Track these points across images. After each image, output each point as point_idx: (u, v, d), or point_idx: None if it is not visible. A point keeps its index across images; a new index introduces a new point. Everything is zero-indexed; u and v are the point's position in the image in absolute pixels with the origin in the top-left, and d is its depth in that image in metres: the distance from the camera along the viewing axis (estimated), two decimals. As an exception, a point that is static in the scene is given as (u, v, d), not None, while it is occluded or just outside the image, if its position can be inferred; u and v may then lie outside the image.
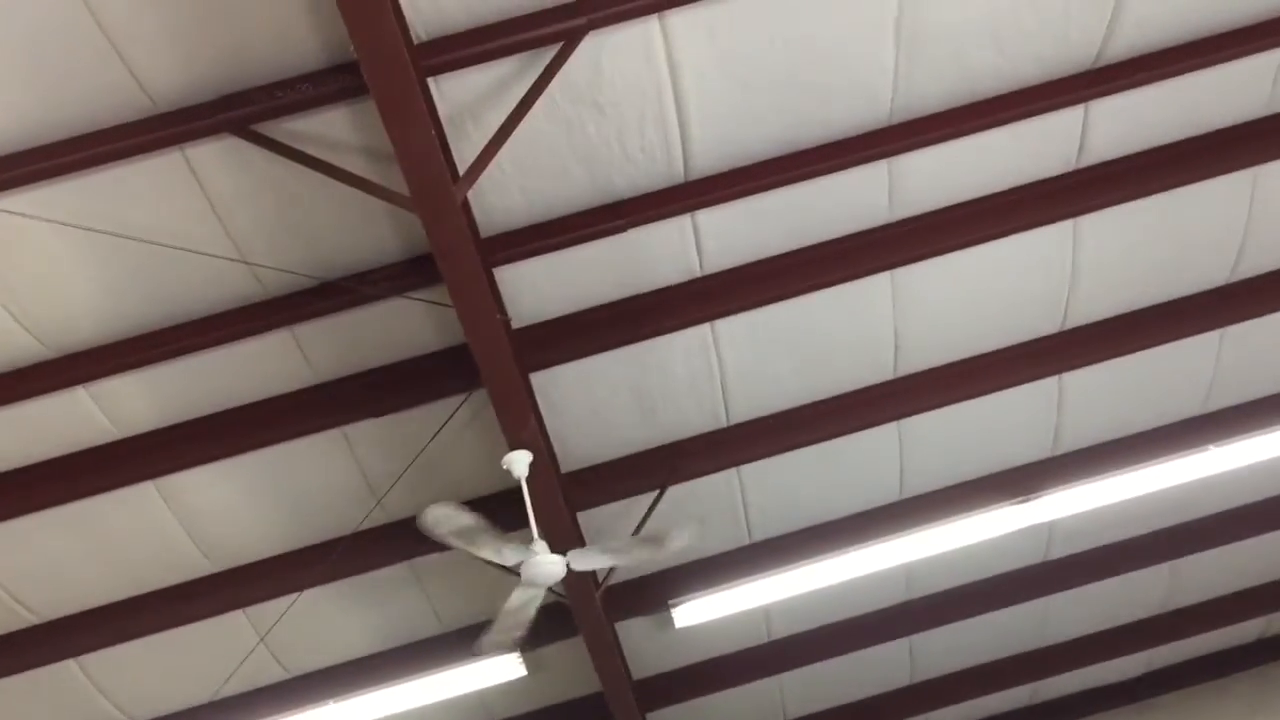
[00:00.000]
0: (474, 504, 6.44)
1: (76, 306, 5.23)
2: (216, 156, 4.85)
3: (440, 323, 5.68)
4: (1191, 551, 8.00)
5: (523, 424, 5.33)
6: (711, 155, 5.48)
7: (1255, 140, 6.01)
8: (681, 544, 5.27)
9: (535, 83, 4.69)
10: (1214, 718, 8.95)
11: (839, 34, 5.17)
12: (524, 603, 5.46)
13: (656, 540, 5.23)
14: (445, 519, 5.09)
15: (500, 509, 6.38)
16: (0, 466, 5.82)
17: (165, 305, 5.33)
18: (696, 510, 7.00)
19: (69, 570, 6.30)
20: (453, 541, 5.22)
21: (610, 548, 5.35)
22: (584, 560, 5.26)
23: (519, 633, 5.66)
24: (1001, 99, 5.60)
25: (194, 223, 5.02)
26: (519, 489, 5.56)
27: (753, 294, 6.04)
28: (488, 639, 5.71)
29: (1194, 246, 6.45)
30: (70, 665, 6.79)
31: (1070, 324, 6.64)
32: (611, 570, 6.77)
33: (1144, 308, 6.65)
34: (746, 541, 7.32)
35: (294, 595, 6.55)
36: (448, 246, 4.48)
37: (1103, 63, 5.61)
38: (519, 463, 5.41)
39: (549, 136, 5.18)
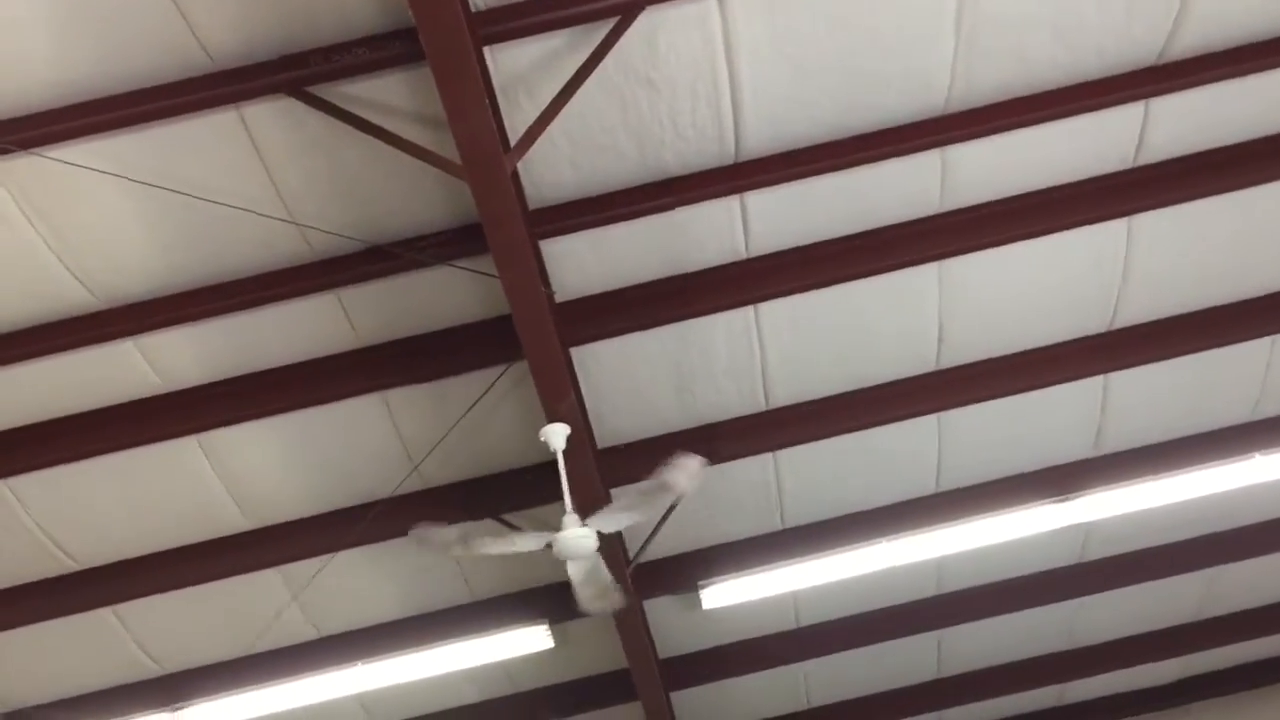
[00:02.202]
0: (509, 475, 6.63)
1: (128, 259, 5.30)
2: (272, 117, 4.88)
3: (485, 292, 5.70)
4: (1230, 560, 7.90)
5: (562, 397, 5.35)
6: (763, 137, 5.44)
7: (1316, 144, 5.88)
8: (687, 479, 5.14)
9: (590, 56, 4.68)
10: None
11: (898, 20, 5.12)
12: (587, 573, 5.46)
13: (662, 484, 5.12)
14: (428, 538, 5.14)
15: (535, 481, 6.46)
16: (46, 415, 5.91)
17: (215, 262, 5.38)
18: (730, 492, 7.01)
19: (109, 520, 6.40)
20: (456, 552, 5.31)
21: (625, 505, 5.25)
22: (607, 522, 5.22)
23: (607, 592, 5.65)
24: (1060, 92, 5.52)
25: (247, 181, 5.06)
26: (554, 461, 5.58)
27: (798, 279, 6.01)
28: (583, 604, 5.75)
29: (1250, 250, 6.34)
30: (106, 613, 6.91)
31: (1119, 324, 6.55)
32: (643, 549, 6.79)
33: (1195, 310, 6.55)
34: (779, 527, 7.31)
35: (328, 556, 6.62)
36: (496, 216, 4.48)
37: (1166, 59, 5.51)
38: (556, 435, 5.43)
39: (601, 111, 5.17)
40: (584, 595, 5.63)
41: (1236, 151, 5.90)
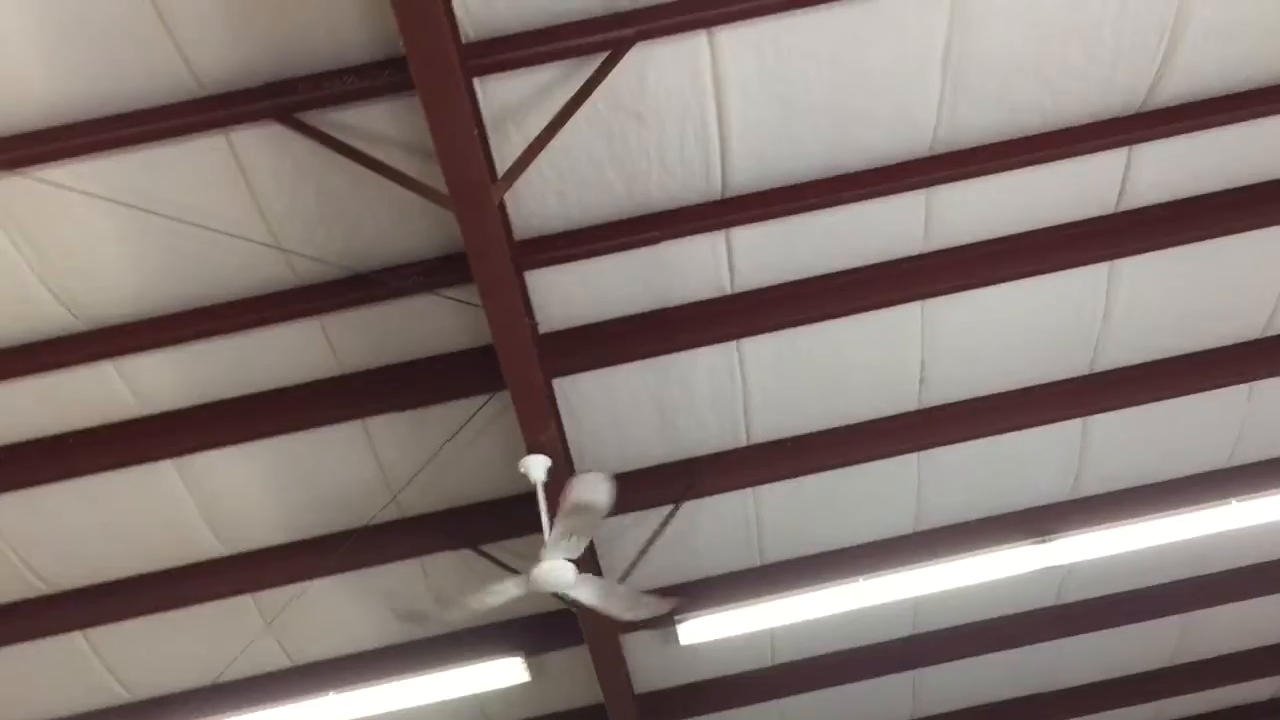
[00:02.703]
0: (488, 505, 6.60)
1: (110, 281, 5.27)
2: (259, 142, 4.88)
3: (468, 322, 5.69)
4: (1206, 605, 7.92)
5: (542, 428, 5.34)
6: (750, 173, 5.47)
7: (1296, 195, 5.95)
8: (600, 494, 4.93)
9: (580, 90, 4.70)
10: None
11: (886, 61, 5.16)
12: (600, 595, 5.41)
13: (576, 506, 4.94)
14: (414, 615, 5.12)
15: (514, 512, 6.43)
16: (22, 435, 5.86)
17: (197, 286, 5.36)
18: (709, 527, 7.00)
19: (82, 542, 6.33)
20: (446, 618, 5.31)
21: (558, 535, 5.13)
22: (559, 552, 5.15)
23: (636, 601, 5.59)
24: (1045, 137, 5.57)
25: (232, 206, 5.06)
26: (534, 493, 5.56)
27: (782, 315, 6.03)
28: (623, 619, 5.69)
29: (1230, 298, 6.39)
30: (77, 637, 6.82)
31: (1099, 367, 6.60)
32: (622, 580, 6.75)
33: (1175, 356, 6.60)
34: (757, 563, 7.29)
35: (303, 584, 6.56)
36: (481, 246, 4.49)
37: (1150, 107, 5.58)
38: (536, 467, 5.41)
39: (589, 144, 5.19)
40: (617, 611, 5.57)
41: (1218, 199, 5.97)
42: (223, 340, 5.59)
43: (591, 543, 6.72)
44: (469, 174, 4.23)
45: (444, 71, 3.92)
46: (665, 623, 7.13)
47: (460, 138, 4.09)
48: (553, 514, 5.35)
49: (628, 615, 5.65)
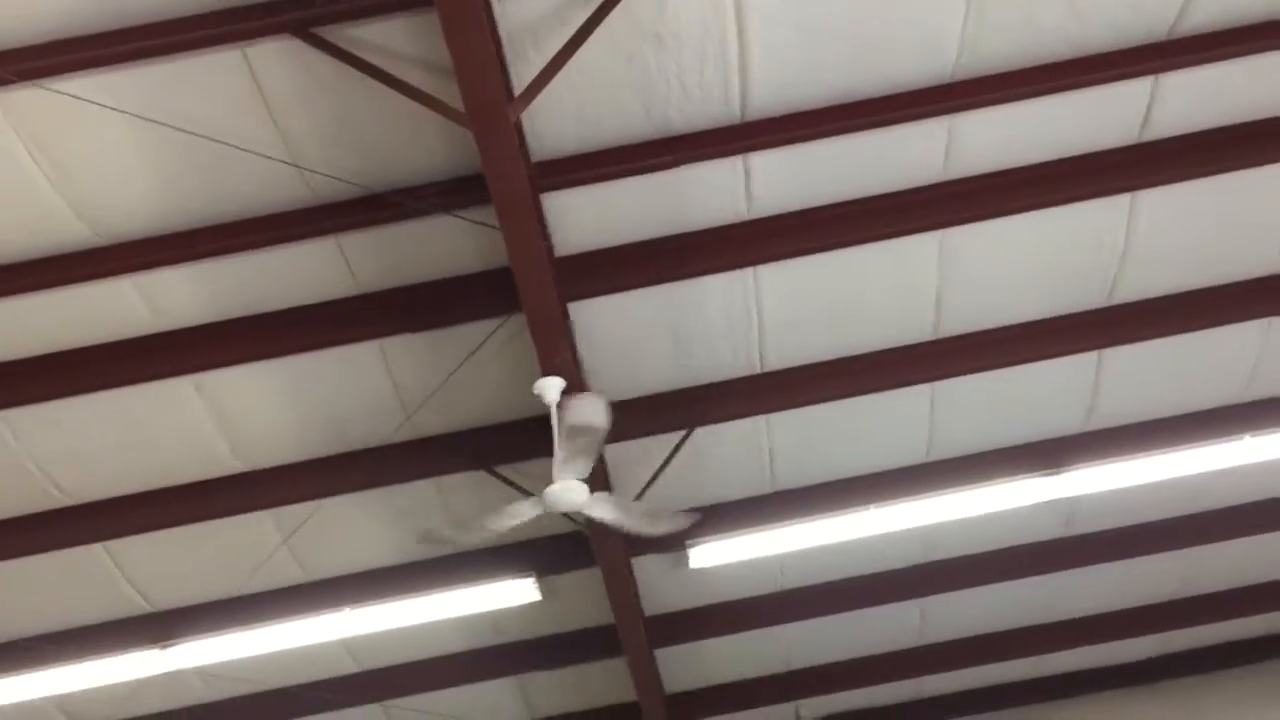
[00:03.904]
0: (502, 427, 6.65)
1: (128, 196, 5.28)
2: (276, 57, 4.85)
3: (485, 244, 5.68)
4: (1212, 540, 7.96)
5: (558, 351, 5.36)
6: (769, 98, 5.42)
7: (1322, 129, 5.87)
8: (590, 412, 5.01)
9: (598, 9, 4.65)
10: (1229, 704, 8.94)
11: (910, -18, 5.09)
12: (616, 513, 5.47)
13: (575, 427, 5.05)
14: (433, 536, 5.30)
15: (527, 434, 6.48)
16: (42, 349, 5.91)
17: (215, 202, 5.37)
18: (721, 454, 7.04)
19: (103, 456, 6.42)
20: (463, 539, 5.36)
21: (562, 459, 5.22)
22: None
23: (657, 516, 5.66)
24: (1069, 64, 5.49)
25: (249, 122, 5.04)
26: (547, 416, 5.59)
27: (798, 242, 6.00)
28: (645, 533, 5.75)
29: (1250, 232, 6.34)
30: (98, 549, 6.94)
31: (1116, 300, 6.57)
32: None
33: (1192, 290, 6.56)
34: (768, 490, 7.35)
35: (319, 501, 6.65)
36: (499, 166, 4.47)
37: (1177, 35, 5.49)
38: (551, 389, 5.44)
39: (607, 66, 5.14)
40: (638, 527, 5.64)
41: (1242, 131, 5.89)
42: (240, 257, 5.60)
43: (605, 467, 6.79)
44: (487, 92, 4.20)
45: (461, -15, 3.88)
46: (676, 546, 7.22)
47: (478, 55, 4.06)
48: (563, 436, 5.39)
49: (647, 530, 5.70)
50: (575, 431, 4.89)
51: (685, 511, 5.76)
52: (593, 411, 4.90)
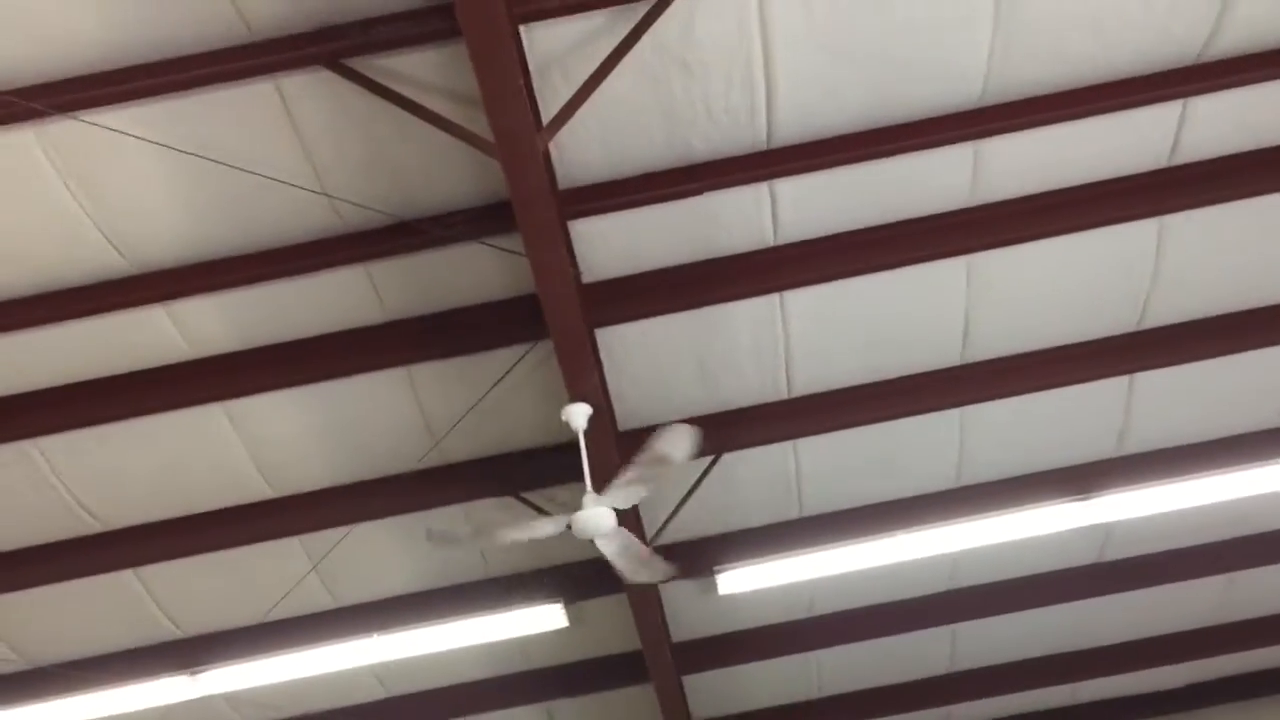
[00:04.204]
0: (530, 453, 6.67)
1: (161, 226, 5.34)
2: (308, 88, 4.91)
3: (512, 271, 5.72)
4: (1248, 566, 7.87)
5: (585, 377, 5.37)
6: (796, 124, 5.43)
7: (1356, 151, 5.82)
8: (680, 447, 5.07)
9: (626, 36, 4.68)
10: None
11: (936, 10, 5.09)
12: (619, 549, 5.47)
13: (657, 456, 5.08)
14: (445, 536, 5.20)
15: (555, 460, 6.50)
16: (75, 377, 5.98)
17: (246, 231, 5.43)
18: (749, 479, 7.03)
19: (134, 483, 6.48)
20: (476, 544, 5.35)
21: (630, 479, 5.22)
22: (616, 498, 5.22)
23: (649, 563, 5.68)
24: (1097, 89, 5.47)
25: (280, 152, 5.10)
26: (575, 441, 5.61)
27: (825, 268, 6.00)
28: (628, 578, 5.77)
29: (1282, 256, 6.29)
30: (129, 575, 7.00)
31: (1147, 324, 6.51)
32: (660, 531, 6.82)
33: (1224, 314, 6.51)
34: (797, 515, 7.32)
35: (348, 527, 6.68)
36: (526, 195, 4.50)
37: (1206, 59, 5.46)
38: (578, 415, 5.45)
39: (634, 93, 5.17)
40: (626, 570, 5.66)
41: (1273, 155, 5.85)
42: (271, 285, 5.66)
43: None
44: (514, 122, 4.24)
45: (491, 18, 3.92)
46: (705, 572, 7.20)
47: (506, 85, 4.10)
48: (593, 462, 5.40)
49: (637, 577, 5.72)
50: (656, 460, 4.89)
51: (670, 564, 5.77)
52: (681, 444, 4.91)
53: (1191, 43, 5.38)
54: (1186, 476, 6.86)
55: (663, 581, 5.95)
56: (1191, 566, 7.87)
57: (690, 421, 6.56)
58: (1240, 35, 5.37)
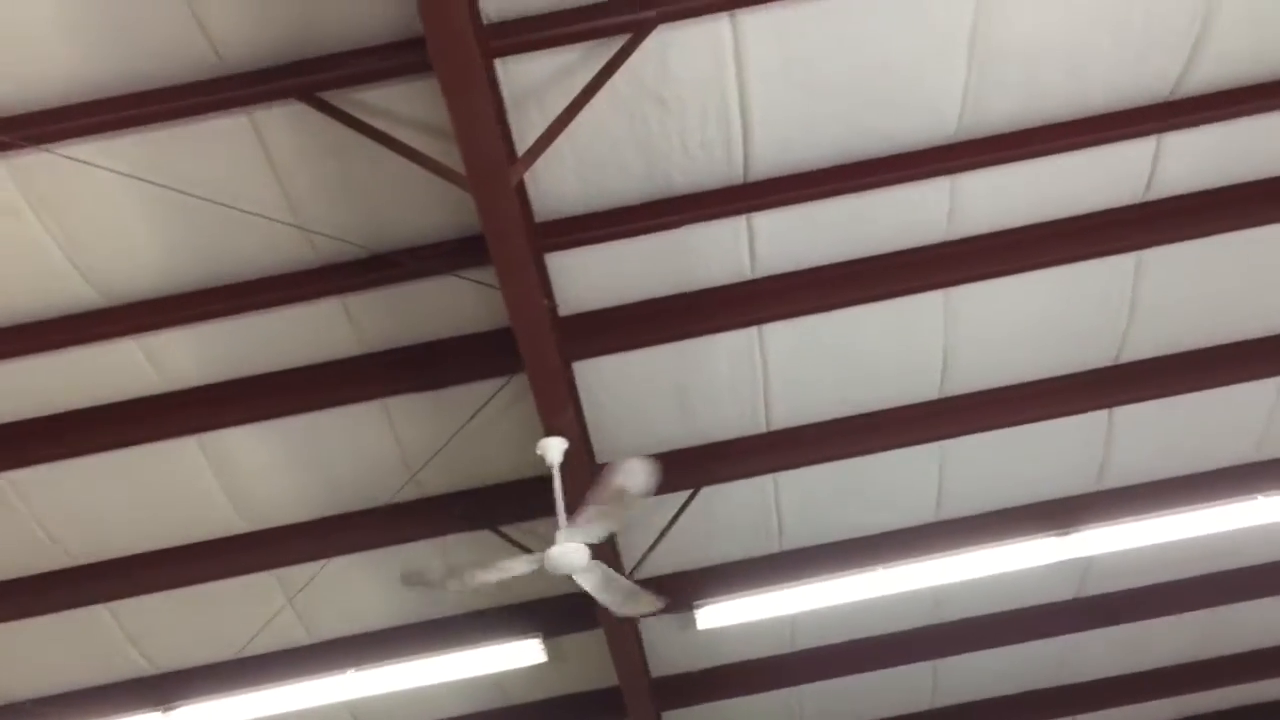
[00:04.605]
0: (508, 487, 6.62)
1: (133, 258, 5.31)
2: (282, 121, 4.90)
3: (489, 304, 5.70)
4: (1229, 601, 7.84)
5: (560, 411, 5.34)
6: (772, 158, 5.44)
7: (1331, 188, 5.86)
8: (639, 481, 4.95)
9: (600, 71, 4.69)
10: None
11: (911, 46, 5.12)
12: (600, 583, 5.42)
13: (614, 492, 4.97)
14: (419, 578, 5.18)
15: (533, 494, 6.45)
16: (48, 410, 5.93)
17: (220, 264, 5.40)
18: (729, 513, 6.99)
19: (107, 517, 6.41)
20: (450, 587, 5.32)
21: (591, 515, 5.14)
22: (575, 536, 5.15)
23: (634, 595, 5.61)
24: (1072, 124, 5.50)
25: (255, 185, 5.08)
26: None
27: (803, 301, 5.99)
28: (615, 611, 5.70)
29: (1258, 291, 6.30)
30: (101, 610, 6.91)
31: (1125, 358, 6.52)
32: (638, 565, 6.78)
33: (1202, 349, 6.52)
34: (776, 549, 7.28)
35: (323, 561, 6.62)
36: (499, 228, 4.49)
37: (1179, 95, 5.50)
38: (553, 449, 5.42)
39: (610, 127, 5.18)
40: (611, 603, 5.61)
41: (1247, 190, 5.88)
42: (245, 318, 5.63)
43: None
44: (486, 155, 4.23)
45: (462, 52, 3.92)
46: (684, 607, 7.15)
47: (477, 118, 4.09)
48: (568, 497, 5.36)
49: (623, 610, 5.67)
50: (616, 495, 4.85)
51: (657, 596, 5.72)
52: (636, 477, 4.87)
53: (1165, 78, 5.41)
54: (1166, 511, 6.84)
55: (650, 614, 5.87)
56: (1171, 602, 7.84)
57: (669, 455, 6.63)
58: (1214, 71, 5.40)
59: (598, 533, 5.06)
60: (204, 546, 6.66)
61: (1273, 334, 6.53)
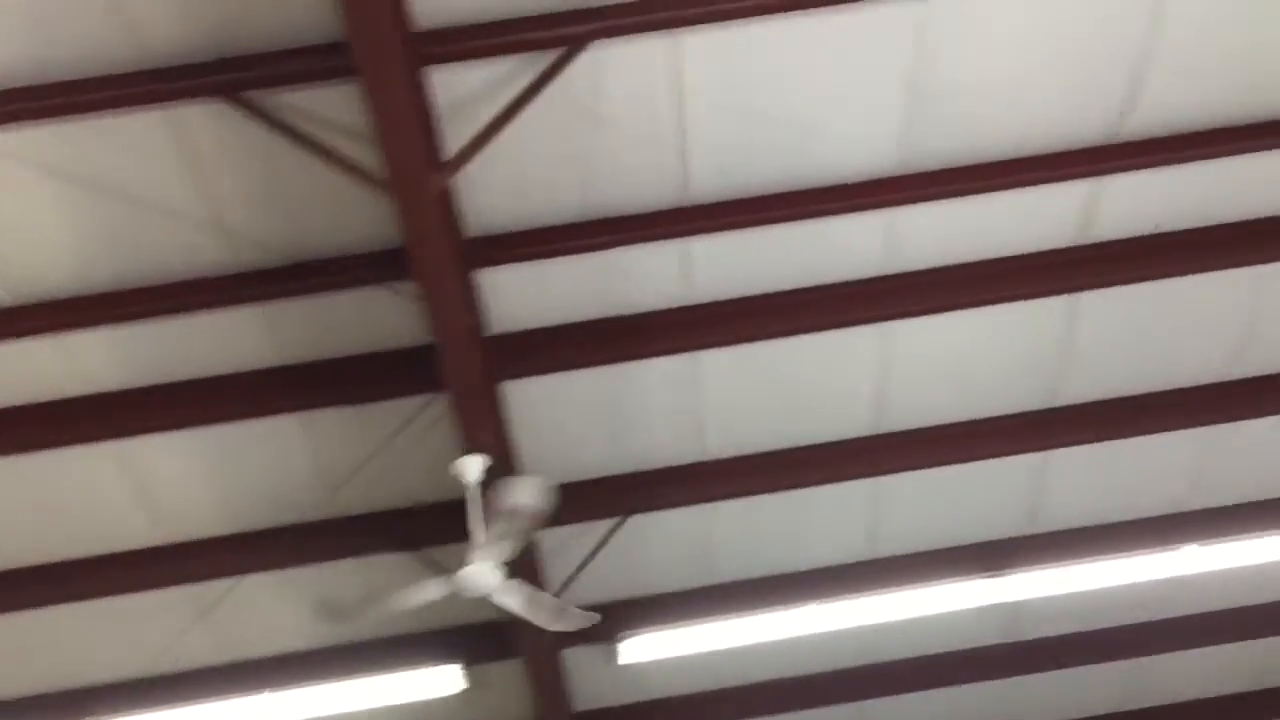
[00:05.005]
0: (433, 508, 6.47)
1: (46, 255, 5.14)
2: (205, 120, 4.77)
3: (416, 319, 5.57)
4: (1157, 651, 7.82)
5: (483, 430, 5.22)
6: (710, 182, 5.38)
7: (1262, 238, 5.88)
8: (530, 499, 4.86)
9: (531, 84, 4.61)
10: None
11: (850, 78, 5.08)
12: (524, 602, 5.28)
13: (509, 510, 4.88)
14: (334, 612, 5.12)
15: (459, 516, 6.28)
16: (-45, 410, 5.73)
17: (137, 264, 5.24)
18: (658, 543, 6.88)
19: (12, 522, 6.20)
20: (367, 617, 5.20)
21: (490, 536, 5.06)
22: (485, 556, 5.00)
23: (561, 612, 5.50)
24: (1011, 163, 5.49)
25: (175, 185, 4.94)
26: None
27: (740, 329, 5.93)
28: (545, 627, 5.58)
29: (1192, 338, 6.32)
30: (5, 621, 6.66)
31: (1060, 401, 6.51)
32: (560, 592, 6.64)
33: (1136, 394, 6.51)
34: (705, 582, 7.19)
35: (237, 578, 6.42)
36: (420, 234, 4.38)
37: (1120, 139, 5.50)
38: (471, 468, 5.29)
39: (545, 143, 5.10)
40: (540, 620, 5.46)
41: (1183, 237, 5.89)
42: (163, 322, 5.46)
43: (534, 553, 6.61)
44: (407, 160, 4.13)
45: (382, 50, 3.83)
46: (608, 639, 7.01)
47: (398, 120, 4.00)
48: (487, 517, 5.23)
49: (553, 626, 5.53)
50: (506, 513, 4.72)
51: (586, 610, 5.59)
52: (528, 494, 4.74)
53: (1106, 121, 5.42)
54: (1097, 557, 6.82)
55: (585, 627, 5.70)
56: (1099, 649, 7.81)
57: (599, 481, 6.52)
58: (1152, 116, 5.41)
59: (504, 553, 4.92)
60: (114, 558, 6.45)
61: (1206, 382, 6.53)
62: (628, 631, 6.90)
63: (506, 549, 4.90)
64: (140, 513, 6.25)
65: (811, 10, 4.79)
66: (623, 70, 4.89)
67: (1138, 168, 5.56)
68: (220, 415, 5.81)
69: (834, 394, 6.31)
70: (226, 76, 4.58)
